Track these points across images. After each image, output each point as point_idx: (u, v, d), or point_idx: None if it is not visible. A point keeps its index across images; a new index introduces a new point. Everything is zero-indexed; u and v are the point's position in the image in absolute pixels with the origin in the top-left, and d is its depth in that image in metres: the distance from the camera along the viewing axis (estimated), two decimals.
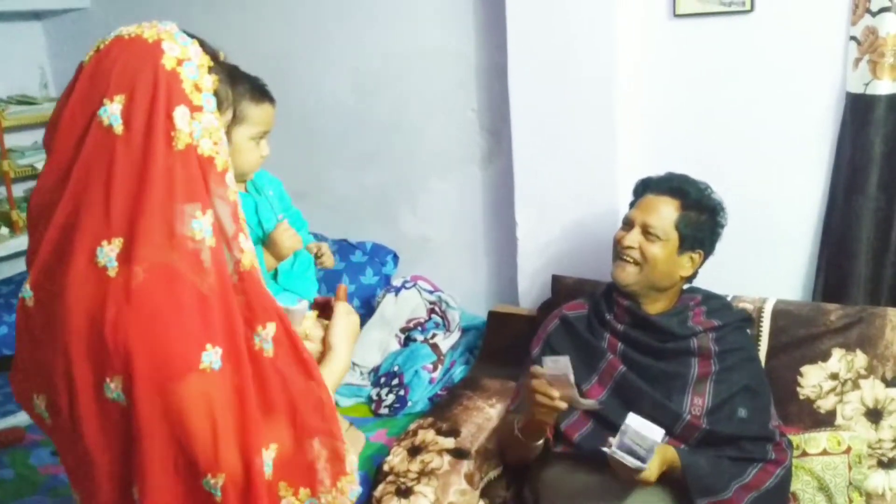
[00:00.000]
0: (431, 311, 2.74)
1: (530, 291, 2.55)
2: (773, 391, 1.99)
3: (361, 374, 2.63)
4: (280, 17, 2.97)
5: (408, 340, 2.66)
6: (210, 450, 1.07)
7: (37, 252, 1.14)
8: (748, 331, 2.04)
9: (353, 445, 2.12)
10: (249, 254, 1.15)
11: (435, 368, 2.52)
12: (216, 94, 1.16)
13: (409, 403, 2.45)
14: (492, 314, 2.58)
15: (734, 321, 1.98)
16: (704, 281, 2.06)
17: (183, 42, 1.14)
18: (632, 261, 1.94)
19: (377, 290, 2.86)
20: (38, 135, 3.63)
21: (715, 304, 2.02)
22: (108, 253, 1.08)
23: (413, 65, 2.76)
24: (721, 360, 1.91)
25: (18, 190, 3.51)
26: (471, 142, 2.72)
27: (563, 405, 1.75)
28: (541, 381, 1.75)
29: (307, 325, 1.36)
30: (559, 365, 1.73)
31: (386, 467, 1.99)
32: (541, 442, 1.91)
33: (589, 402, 1.83)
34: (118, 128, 1.09)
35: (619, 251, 1.98)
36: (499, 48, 2.48)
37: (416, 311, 2.72)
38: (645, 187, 2.02)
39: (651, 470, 1.68)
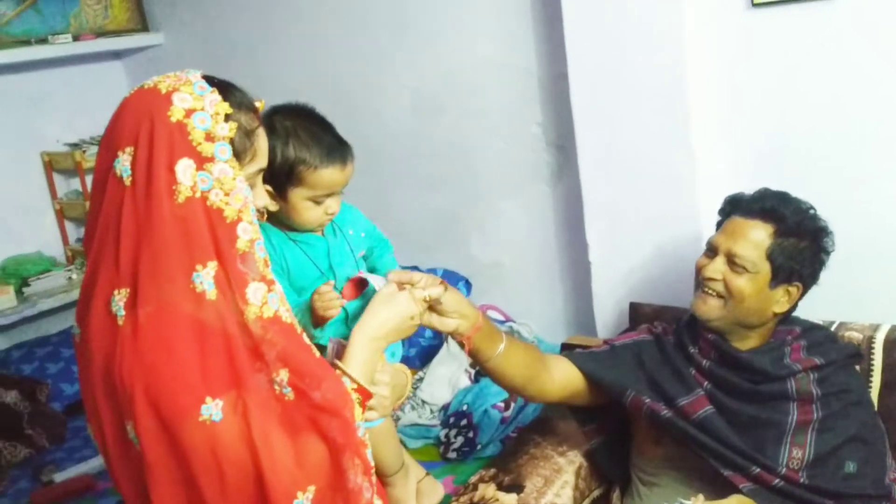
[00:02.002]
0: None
1: (607, 320, 2.34)
2: (890, 437, 1.70)
3: (431, 412, 2.48)
4: (338, 44, 2.93)
5: (478, 375, 2.49)
6: (219, 500, 1.11)
7: (82, 289, 1.21)
8: (856, 367, 1.74)
9: (429, 497, 1.94)
10: (256, 306, 1.14)
11: (507, 407, 2.35)
12: (232, 143, 1.16)
13: (479, 447, 2.29)
14: (566, 346, 2.36)
15: (839, 358, 1.69)
16: (804, 305, 1.77)
17: (199, 91, 1.15)
18: (714, 293, 1.68)
19: None
20: None
21: (816, 337, 1.73)
22: (119, 302, 1.12)
23: (473, 81, 2.64)
24: (824, 405, 1.64)
25: None
26: (537, 159, 2.55)
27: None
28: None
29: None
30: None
31: None
32: (498, 354, 1.61)
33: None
34: (127, 180, 1.12)
35: (700, 281, 1.71)
36: (560, 58, 2.29)
37: None
38: (733, 207, 1.74)
39: None
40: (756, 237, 1.65)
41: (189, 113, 1.12)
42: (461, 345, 1.60)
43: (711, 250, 1.72)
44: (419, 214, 2.86)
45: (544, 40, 2.42)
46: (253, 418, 1.11)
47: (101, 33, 3.47)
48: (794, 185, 1.77)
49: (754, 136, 2.10)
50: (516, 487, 1.89)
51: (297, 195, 1.61)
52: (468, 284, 2.80)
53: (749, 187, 1.78)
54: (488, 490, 1.89)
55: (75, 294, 3.26)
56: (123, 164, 1.11)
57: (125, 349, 1.10)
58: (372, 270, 1.78)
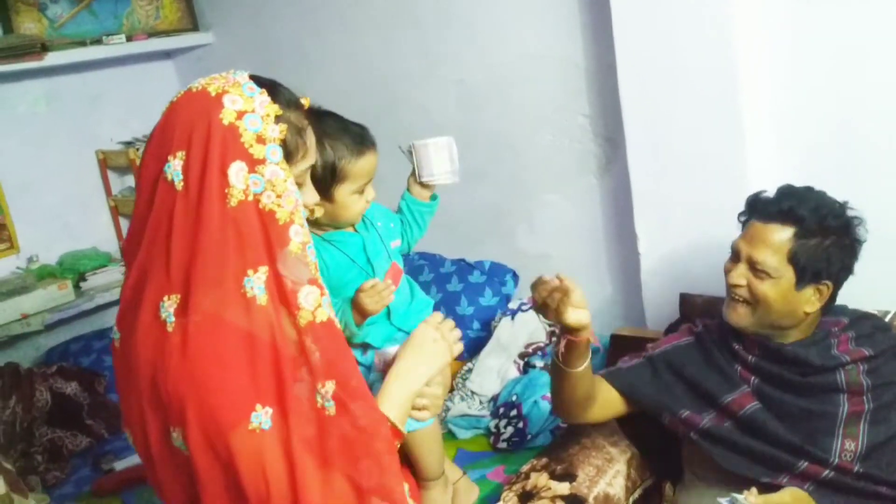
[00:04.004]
0: (552, 334, 2.56)
1: (657, 311, 2.33)
2: None
3: (481, 403, 2.50)
4: (384, 39, 2.94)
5: (527, 367, 2.50)
6: None
7: (123, 295, 1.19)
8: None
9: (465, 497, 1.98)
10: (308, 310, 1.13)
11: None
12: (284, 143, 1.15)
13: (529, 437, 2.30)
14: (615, 337, 2.37)
15: (889, 348, 1.67)
16: (853, 295, 1.74)
17: (249, 93, 1.13)
18: (742, 300, 1.65)
19: (497, 312, 2.72)
20: None
21: (864, 327, 1.71)
22: (168, 308, 1.11)
23: (519, 73, 2.62)
24: (876, 396, 1.62)
25: None
26: (585, 150, 2.54)
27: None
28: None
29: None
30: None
31: None
32: (582, 369, 1.67)
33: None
34: (179, 184, 1.10)
35: (728, 287, 1.69)
36: (608, 48, 2.27)
37: (535, 335, 2.56)
38: (752, 210, 1.70)
39: None
40: (775, 241, 1.61)
41: (240, 115, 1.11)
42: (564, 344, 1.62)
43: (735, 255, 1.69)
44: (466, 207, 2.86)
45: (591, 31, 2.40)
46: (293, 435, 1.10)
47: (153, 33, 3.54)
48: (845, 174, 1.75)
49: (805, 126, 2.07)
50: (568, 476, 1.90)
51: (344, 191, 1.63)
52: (515, 277, 2.81)
53: (800, 177, 1.75)
54: (540, 479, 1.90)
55: None
56: (175, 168, 1.10)
57: (173, 358, 1.09)
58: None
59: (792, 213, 1.60)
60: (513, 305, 2.65)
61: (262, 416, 1.08)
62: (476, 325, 2.77)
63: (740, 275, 1.64)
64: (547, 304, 1.55)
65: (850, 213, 1.63)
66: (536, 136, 2.63)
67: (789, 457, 1.62)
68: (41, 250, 3.37)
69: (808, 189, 1.66)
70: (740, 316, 1.66)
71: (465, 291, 2.80)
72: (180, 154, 1.10)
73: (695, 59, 2.07)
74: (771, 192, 1.70)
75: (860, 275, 1.71)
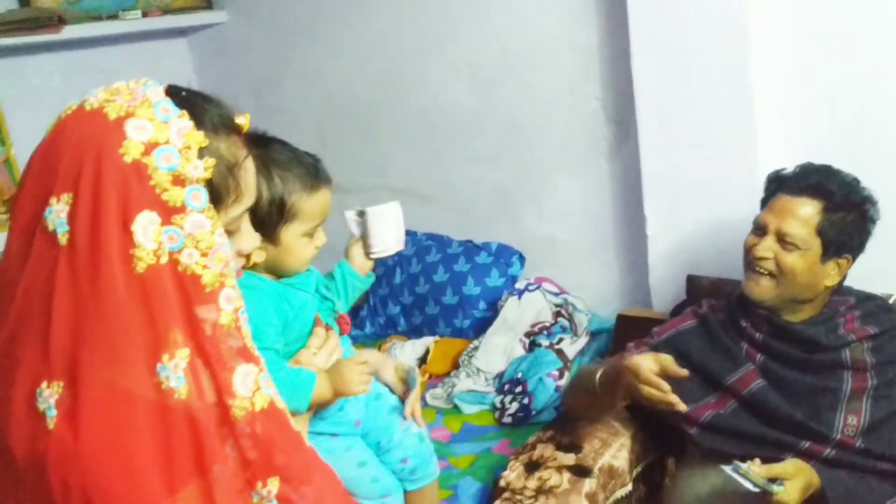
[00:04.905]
0: (557, 314, 2.60)
1: (663, 293, 2.36)
2: None
3: (486, 380, 2.54)
4: (396, 20, 2.95)
5: (532, 346, 2.54)
6: None
7: None
8: None
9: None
10: (246, 398, 0.89)
11: (561, 375, 2.39)
12: (210, 184, 0.89)
13: (534, 413, 2.34)
14: (621, 317, 2.41)
15: (893, 328, 1.72)
16: (858, 277, 1.79)
17: (163, 116, 0.86)
18: (766, 273, 1.69)
19: (503, 293, 2.76)
20: None
21: (870, 307, 1.76)
22: (48, 398, 0.85)
23: (531, 56, 2.65)
24: (879, 373, 1.66)
25: None
26: (596, 134, 2.57)
27: (675, 400, 1.54)
28: (653, 376, 1.55)
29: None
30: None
31: (502, 483, 1.88)
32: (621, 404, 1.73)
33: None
34: (63, 237, 0.85)
35: (750, 261, 1.72)
36: (622, 32, 2.31)
37: (541, 315, 2.60)
38: (778, 185, 1.74)
39: (789, 492, 1.49)
40: (805, 214, 1.66)
41: (150, 148, 0.85)
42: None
43: (760, 229, 1.72)
44: (475, 189, 2.90)
45: (605, 15, 2.43)
46: None
47: (168, 10, 3.57)
48: (855, 159, 1.79)
49: (816, 114, 2.10)
50: (574, 448, 1.94)
51: (292, 233, 1.36)
52: (522, 258, 2.84)
53: (805, 155, 1.80)
54: (547, 450, 1.95)
55: None
56: (58, 215, 0.84)
57: (60, 455, 0.85)
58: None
59: (821, 188, 1.66)
60: (520, 285, 2.69)
61: None
62: (482, 305, 2.81)
63: (767, 248, 1.68)
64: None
65: (865, 192, 1.70)
66: (547, 120, 2.66)
67: (792, 437, 1.65)
68: None
69: (828, 166, 1.72)
70: (763, 289, 1.69)
71: (472, 272, 2.84)
72: (66, 197, 0.85)
73: (708, 45, 2.10)
74: (790, 169, 1.75)
75: (864, 259, 1.76)
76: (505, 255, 2.85)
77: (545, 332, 2.54)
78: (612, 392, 1.66)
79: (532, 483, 1.85)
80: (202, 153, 0.88)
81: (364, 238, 1.57)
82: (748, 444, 1.70)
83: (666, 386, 1.53)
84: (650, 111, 2.25)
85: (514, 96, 2.72)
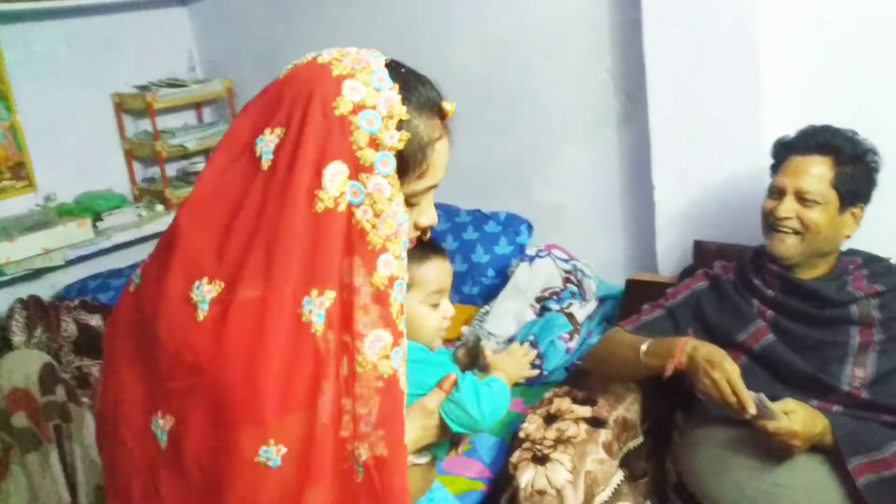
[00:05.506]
0: (567, 280, 2.68)
1: (670, 258, 2.45)
2: None
3: (497, 343, 2.61)
4: None
5: (543, 310, 2.62)
6: None
7: (160, 242, 1.03)
8: None
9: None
10: (370, 359, 0.94)
11: (571, 338, 2.47)
12: (402, 154, 0.97)
13: (546, 373, 2.42)
14: (630, 282, 2.49)
15: None
16: (865, 241, 1.89)
17: (377, 84, 0.95)
18: (791, 231, 1.79)
19: (511, 260, 2.84)
20: (188, 116, 3.84)
21: (877, 267, 1.85)
22: (205, 294, 0.94)
23: (542, 26, 2.69)
24: (885, 328, 1.76)
25: (171, 169, 3.73)
26: (605, 105, 2.63)
27: (750, 404, 1.60)
28: (737, 376, 1.61)
29: None
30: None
31: (521, 434, 1.97)
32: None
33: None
34: (266, 164, 0.95)
35: (773, 223, 1.81)
36: (634, 4, 2.37)
37: (552, 281, 2.68)
38: (788, 149, 1.85)
39: (792, 420, 1.60)
40: (819, 171, 1.76)
41: (357, 108, 0.94)
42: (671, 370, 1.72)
43: (778, 192, 1.82)
44: (484, 160, 2.94)
45: None
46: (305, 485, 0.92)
47: None
48: (859, 124, 1.87)
49: (822, 85, 2.18)
50: (589, 402, 2.03)
51: (410, 301, 1.26)
52: (530, 227, 2.91)
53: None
54: (563, 403, 2.03)
55: (146, 230, 3.43)
56: (267, 144, 0.95)
57: (199, 346, 0.93)
58: None
59: (829, 145, 1.77)
60: (530, 252, 2.76)
61: (272, 453, 0.90)
62: (491, 272, 2.88)
63: (788, 208, 1.78)
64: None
65: (867, 143, 1.80)
66: (557, 91, 2.71)
67: (801, 394, 1.74)
68: (58, 190, 3.42)
69: (828, 125, 1.83)
70: (789, 246, 1.79)
71: (481, 240, 2.91)
72: (278, 131, 0.95)
73: (718, 17, 2.17)
74: (793, 133, 1.85)
75: (868, 224, 1.85)
76: (513, 224, 2.92)
77: (555, 297, 2.62)
78: (658, 366, 1.73)
79: (551, 434, 1.94)
80: (401, 125, 0.96)
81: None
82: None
83: (747, 395, 1.59)
84: (661, 82, 2.32)
85: (525, 66, 2.76)
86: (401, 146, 0.96)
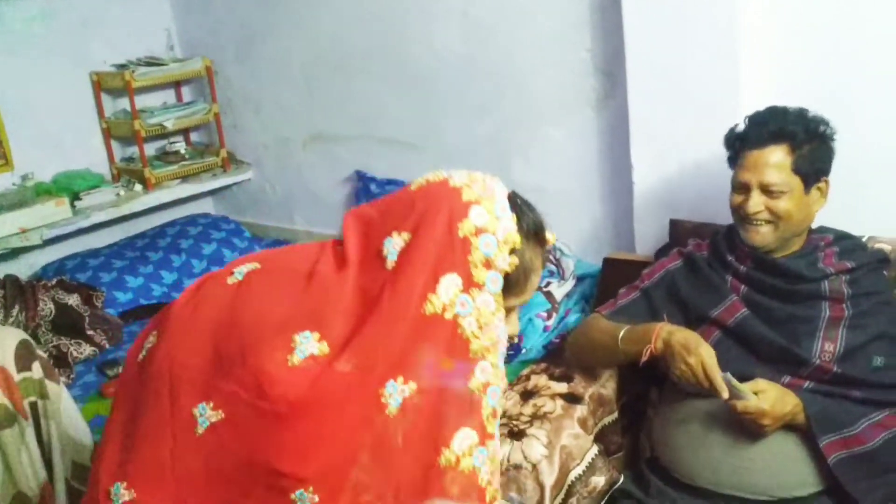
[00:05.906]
0: (557, 263, 2.70)
1: (647, 237, 2.47)
2: None
3: None
4: None
5: None
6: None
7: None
8: (885, 273, 1.89)
9: None
10: (453, 454, 1.03)
11: (549, 316, 2.50)
12: (508, 275, 1.09)
13: (524, 351, 2.45)
14: (607, 261, 2.51)
15: (869, 262, 1.84)
16: (836, 220, 1.92)
17: (500, 212, 1.09)
18: (763, 222, 1.79)
19: None
20: (166, 95, 3.81)
21: (848, 244, 1.87)
22: (309, 345, 1.04)
23: (522, 6, 2.70)
24: (855, 304, 1.78)
25: (150, 148, 3.70)
26: (584, 84, 2.64)
27: (723, 388, 1.63)
28: (713, 361, 1.64)
29: None
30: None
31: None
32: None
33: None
34: (390, 263, 1.06)
35: (744, 216, 1.81)
36: None
37: None
38: (741, 142, 1.82)
39: (761, 400, 1.62)
40: (778, 160, 1.75)
41: (479, 232, 1.06)
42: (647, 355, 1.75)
43: (742, 188, 1.80)
44: (463, 139, 2.96)
45: None
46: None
47: None
48: (836, 106, 1.89)
49: (801, 62, 2.19)
50: (566, 378, 2.05)
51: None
52: None
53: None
54: (540, 380, 2.06)
55: (124, 209, 3.41)
56: (394, 246, 1.07)
57: (284, 383, 1.02)
58: None
59: (782, 132, 1.76)
60: None
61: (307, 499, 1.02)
62: None
63: (757, 202, 1.77)
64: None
65: (817, 117, 1.79)
66: (537, 71, 2.72)
67: (772, 369, 1.77)
68: (35, 169, 3.40)
69: (774, 107, 1.82)
70: (764, 235, 1.79)
71: None
72: (405, 235, 1.07)
73: None
74: (739, 125, 1.85)
75: (836, 201, 1.87)
76: None
77: None
78: (635, 351, 1.76)
79: (528, 409, 1.96)
80: (513, 252, 1.09)
81: None
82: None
83: (721, 381, 1.62)
84: (640, 62, 2.33)
85: (507, 46, 2.77)
86: (510, 270, 1.08)
